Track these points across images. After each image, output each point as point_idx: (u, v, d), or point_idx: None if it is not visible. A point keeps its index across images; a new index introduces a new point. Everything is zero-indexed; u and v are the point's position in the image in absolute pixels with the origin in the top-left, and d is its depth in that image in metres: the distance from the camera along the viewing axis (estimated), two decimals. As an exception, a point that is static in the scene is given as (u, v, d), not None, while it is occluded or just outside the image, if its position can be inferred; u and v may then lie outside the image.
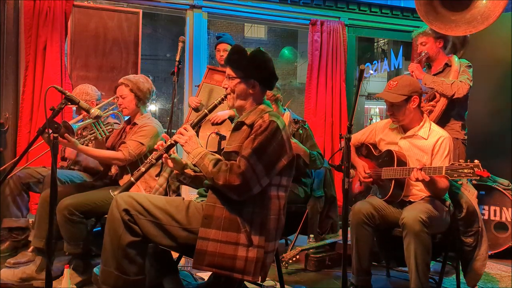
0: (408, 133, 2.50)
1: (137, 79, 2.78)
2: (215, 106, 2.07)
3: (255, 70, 1.91)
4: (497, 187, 3.50)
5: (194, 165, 1.88)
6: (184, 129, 1.92)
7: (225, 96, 2.00)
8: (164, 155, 1.95)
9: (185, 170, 2.07)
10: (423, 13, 3.17)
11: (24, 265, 2.61)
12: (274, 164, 1.80)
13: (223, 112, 3.23)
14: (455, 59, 3.14)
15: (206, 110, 2.04)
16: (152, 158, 1.95)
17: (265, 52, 1.96)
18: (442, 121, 3.06)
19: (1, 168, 3.35)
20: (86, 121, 2.65)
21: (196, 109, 3.47)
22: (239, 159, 1.75)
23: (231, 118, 3.24)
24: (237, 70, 1.92)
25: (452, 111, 3.12)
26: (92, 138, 2.73)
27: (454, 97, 2.98)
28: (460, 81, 2.99)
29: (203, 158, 1.81)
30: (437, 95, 3.05)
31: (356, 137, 2.75)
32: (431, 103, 3.07)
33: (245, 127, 1.87)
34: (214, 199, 1.81)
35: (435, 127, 2.50)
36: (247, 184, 1.72)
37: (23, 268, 2.53)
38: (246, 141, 1.81)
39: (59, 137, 1.87)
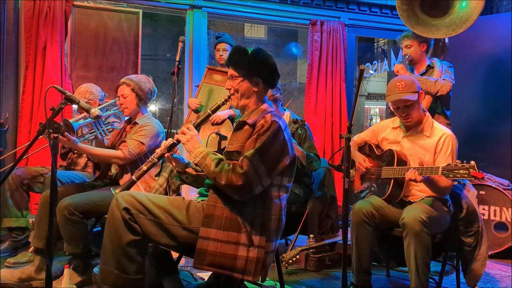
0: (411, 131, 2.50)
1: (139, 79, 2.79)
2: (219, 107, 2.06)
3: (257, 67, 1.91)
4: (497, 187, 3.50)
5: (196, 164, 1.88)
6: (187, 128, 1.92)
7: (229, 97, 2.00)
8: (167, 154, 1.95)
9: (187, 169, 2.07)
10: (405, 19, 3.37)
11: (24, 265, 2.61)
12: (276, 164, 1.80)
13: (223, 112, 3.23)
14: (437, 61, 3.30)
15: (209, 111, 2.04)
16: (154, 157, 1.96)
17: (266, 50, 1.97)
18: None
19: (1, 158, 3.35)
20: (87, 120, 2.65)
21: (196, 111, 3.46)
22: (242, 159, 1.75)
23: (231, 118, 3.24)
24: (239, 69, 1.92)
25: (437, 109, 3.25)
26: (92, 138, 2.73)
27: (438, 94, 3.14)
28: (443, 79, 3.14)
29: (205, 158, 1.81)
30: (422, 94, 3.12)
31: (360, 137, 2.77)
32: None
33: (246, 126, 1.87)
34: (215, 199, 1.81)
35: (437, 124, 2.50)
36: (249, 184, 1.72)
37: (22, 269, 2.52)
38: (248, 141, 1.81)
39: (59, 135, 1.87)
